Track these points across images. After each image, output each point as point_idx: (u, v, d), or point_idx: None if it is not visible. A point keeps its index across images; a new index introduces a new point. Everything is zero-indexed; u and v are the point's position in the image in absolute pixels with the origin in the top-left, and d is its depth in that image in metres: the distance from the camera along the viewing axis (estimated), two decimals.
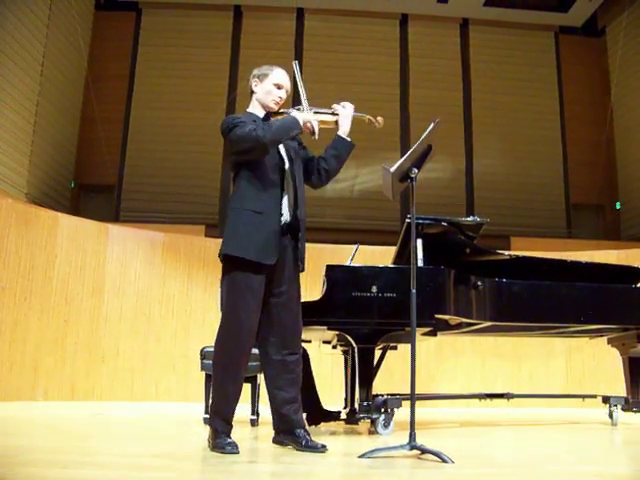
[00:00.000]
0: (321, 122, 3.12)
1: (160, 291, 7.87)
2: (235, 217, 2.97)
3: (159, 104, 11.39)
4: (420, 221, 4.10)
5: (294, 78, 3.19)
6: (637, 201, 11.02)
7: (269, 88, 3.11)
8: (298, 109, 3.12)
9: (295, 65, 3.19)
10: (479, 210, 11.08)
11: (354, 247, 5.05)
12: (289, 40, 11.86)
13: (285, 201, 3.03)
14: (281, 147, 3.10)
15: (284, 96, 3.16)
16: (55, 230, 7.31)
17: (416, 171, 2.95)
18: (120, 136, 11.41)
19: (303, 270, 3.13)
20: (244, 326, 2.89)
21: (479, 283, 4.10)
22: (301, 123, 3.01)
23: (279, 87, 3.12)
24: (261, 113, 3.14)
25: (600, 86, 12.19)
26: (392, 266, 4.26)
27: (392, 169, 2.91)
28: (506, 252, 4.84)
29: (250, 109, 3.17)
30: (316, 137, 3.06)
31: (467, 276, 4.10)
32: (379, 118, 3.24)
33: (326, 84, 10.58)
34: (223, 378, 2.91)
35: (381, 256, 7.17)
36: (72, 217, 7.82)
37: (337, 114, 3.16)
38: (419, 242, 4.11)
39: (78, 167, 11.11)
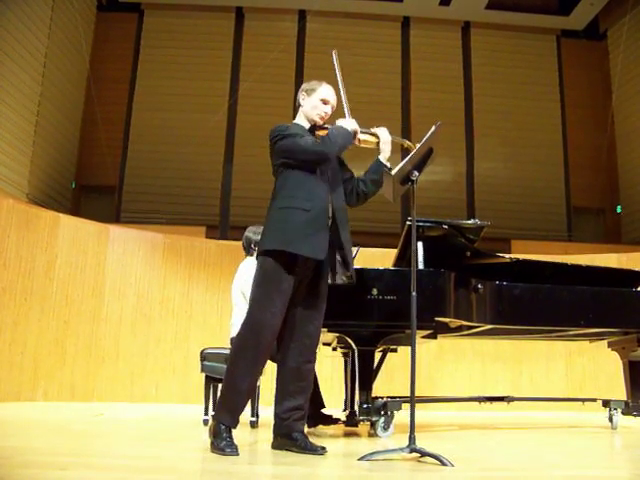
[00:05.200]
0: (363, 141, 3.19)
1: (160, 292, 7.87)
2: (285, 215, 2.98)
3: (160, 105, 11.41)
4: (421, 224, 4.10)
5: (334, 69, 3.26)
6: (638, 205, 11.02)
7: (316, 103, 3.17)
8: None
9: (334, 55, 3.25)
10: (480, 213, 11.08)
11: (354, 249, 5.05)
12: (291, 42, 11.86)
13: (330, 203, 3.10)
14: None
15: (329, 112, 3.22)
16: (56, 231, 7.31)
17: (417, 174, 2.95)
18: (121, 137, 11.43)
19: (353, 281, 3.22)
20: (268, 325, 2.89)
21: (479, 286, 4.09)
22: (352, 133, 3.09)
23: (325, 102, 3.18)
24: (306, 126, 3.21)
25: (601, 89, 12.20)
26: (393, 268, 4.26)
27: (393, 172, 2.91)
28: (507, 255, 4.84)
29: (297, 121, 3.24)
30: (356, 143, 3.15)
31: (468, 279, 4.09)
32: (410, 143, 3.29)
33: None
34: (239, 374, 2.90)
35: (382, 258, 7.17)
36: (73, 218, 7.82)
37: (377, 136, 3.21)
38: (420, 245, 4.11)
39: (79, 168, 11.13)
